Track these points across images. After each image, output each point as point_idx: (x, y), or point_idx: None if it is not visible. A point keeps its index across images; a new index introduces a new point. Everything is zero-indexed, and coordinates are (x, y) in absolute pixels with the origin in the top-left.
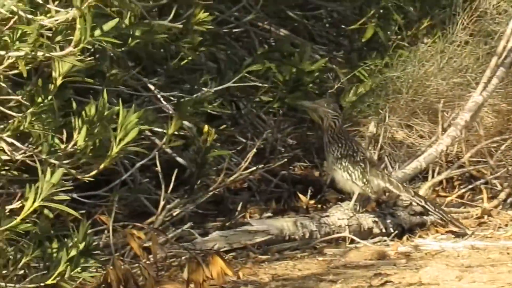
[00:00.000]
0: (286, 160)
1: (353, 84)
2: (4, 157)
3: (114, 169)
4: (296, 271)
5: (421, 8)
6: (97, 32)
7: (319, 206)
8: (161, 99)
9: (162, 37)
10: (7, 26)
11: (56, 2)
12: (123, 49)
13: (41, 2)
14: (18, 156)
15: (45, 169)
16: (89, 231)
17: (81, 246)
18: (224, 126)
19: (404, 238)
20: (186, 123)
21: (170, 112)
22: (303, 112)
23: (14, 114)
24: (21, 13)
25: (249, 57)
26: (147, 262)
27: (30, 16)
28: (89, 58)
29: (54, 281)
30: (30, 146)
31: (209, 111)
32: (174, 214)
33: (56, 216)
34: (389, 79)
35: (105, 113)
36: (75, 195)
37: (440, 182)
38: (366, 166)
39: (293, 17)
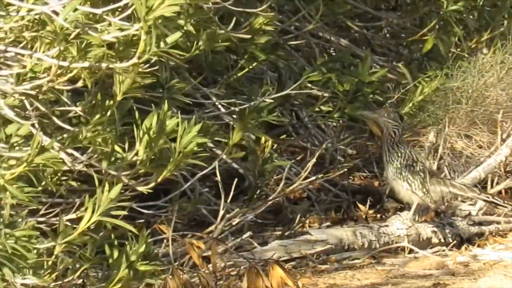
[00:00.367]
0: (345, 170)
1: (412, 93)
2: (64, 168)
3: (174, 179)
4: (355, 280)
5: (480, 18)
6: (162, 44)
7: (378, 215)
8: (221, 108)
9: (224, 44)
10: (71, 37)
11: (119, 15)
12: (185, 56)
13: (104, 15)
14: (78, 167)
15: (104, 181)
16: (148, 240)
17: (141, 251)
18: (284, 135)
19: (463, 248)
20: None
21: (230, 121)
22: (362, 122)
23: (70, 128)
24: (84, 26)
25: (309, 67)
26: (206, 271)
27: (94, 28)
28: (149, 70)
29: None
30: (90, 156)
31: (269, 120)
32: (233, 223)
33: (115, 226)
34: (449, 89)
35: (166, 124)
36: (134, 205)
37: (499, 192)
38: (425, 175)
39: (352, 28)
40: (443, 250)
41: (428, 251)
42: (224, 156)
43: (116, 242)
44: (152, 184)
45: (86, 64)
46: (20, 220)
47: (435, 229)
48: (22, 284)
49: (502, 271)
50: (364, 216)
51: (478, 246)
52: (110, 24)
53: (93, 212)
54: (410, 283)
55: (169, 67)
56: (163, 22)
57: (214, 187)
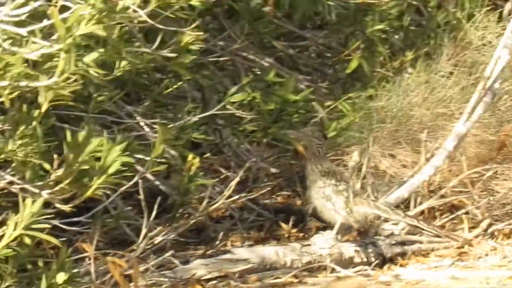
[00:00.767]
0: (268, 188)
1: (337, 114)
2: None
3: (96, 196)
4: None
5: (406, 38)
6: (80, 64)
7: (301, 234)
8: (144, 126)
9: (148, 65)
10: None
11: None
12: (109, 75)
13: (25, 34)
14: (0, 184)
15: (27, 197)
16: (70, 258)
17: (61, 272)
18: (208, 154)
19: (385, 267)
20: (170, 150)
21: (153, 139)
22: (286, 141)
23: None
24: (5, 45)
25: (233, 86)
26: None
27: (14, 48)
28: (74, 84)
29: None
30: (12, 173)
31: (192, 139)
32: (156, 242)
33: (37, 243)
34: (373, 108)
35: (89, 143)
36: (56, 222)
37: (422, 211)
38: (349, 195)
39: (278, 47)
40: (366, 270)
41: (350, 271)
42: (147, 173)
43: (38, 260)
44: (75, 203)
45: (6, 82)
46: None
47: (358, 248)
48: None
49: None
50: (286, 235)
51: (401, 265)
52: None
53: (16, 227)
54: None
55: (93, 84)
56: (83, 40)
57: (137, 205)
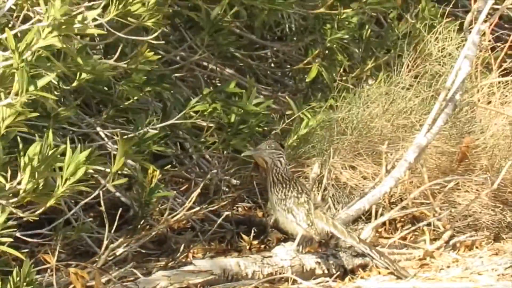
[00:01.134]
0: (230, 200)
1: (299, 124)
2: None
3: (58, 208)
4: None
5: (366, 49)
6: (32, 88)
7: (262, 246)
8: (105, 137)
9: (108, 75)
10: None
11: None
12: (68, 87)
13: None
14: None
15: None
16: (32, 269)
17: (24, 284)
18: (169, 165)
19: (347, 279)
20: (130, 162)
21: (115, 151)
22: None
23: None
24: None
25: (194, 97)
26: None
27: None
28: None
29: None
30: None
31: (154, 150)
32: (117, 253)
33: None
34: (333, 120)
35: (50, 152)
36: (18, 234)
37: (383, 223)
38: (310, 207)
39: (238, 57)
40: (327, 281)
41: (311, 282)
42: (108, 185)
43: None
44: (38, 212)
45: None
46: None
47: (319, 260)
48: None
49: None
50: (248, 247)
51: (362, 277)
52: None
53: None
54: None
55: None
56: (42, 53)
57: (98, 216)
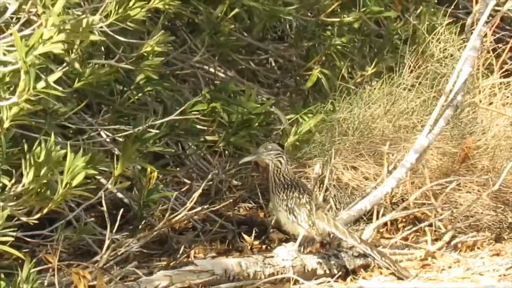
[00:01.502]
0: (231, 200)
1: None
2: None
3: (59, 209)
4: None
5: (367, 52)
6: (40, 85)
7: (264, 246)
8: (106, 138)
9: (109, 78)
10: None
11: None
12: (71, 88)
13: None
14: None
15: None
16: (34, 270)
17: (26, 284)
18: (170, 166)
19: (348, 279)
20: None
21: (115, 151)
22: (249, 153)
23: None
24: None
25: (195, 98)
26: None
27: None
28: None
29: None
30: None
31: (154, 150)
32: (119, 253)
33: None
34: (335, 121)
35: (52, 155)
36: (19, 234)
37: (385, 223)
38: (312, 208)
39: (238, 60)
40: (329, 282)
41: (313, 282)
42: (110, 186)
43: (2, 272)
44: (38, 215)
45: None
46: None
47: (321, 260)
48: None
49: None
50: (249, 247)
51: (363, 278)
52: None
53: None
54: None
55: (54, 98)
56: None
57: (99, 216)
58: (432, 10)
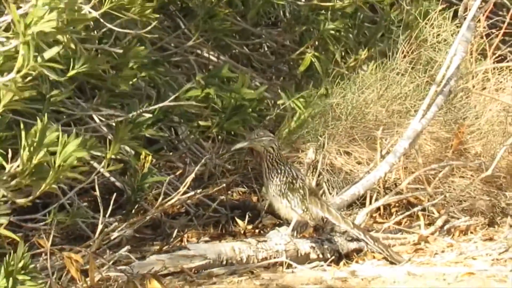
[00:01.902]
0: (224, 185)
1: (291, 112)
2: None
3: (52, 193)
4: None
5: (359, 36)
6: (40, 59)
7: (257, 231)
8: (99, 122)
9: (104, 66)
10: None
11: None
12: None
13: None
14: None
15: None
16: (27, 253)
17: (19, 265)
18: (163, 151)
19: (341, 263)
20: (124, 147)
21: (108, 135)
22: (242, 137)
23: None
24: None
25: (188, 83)
26: (84, 285)
27: None
28: (30, 83)
29: None
30: None
31: (147, 135)
32: (112, 237)
33: None
34: (328, 105)
35: (46, 136)
36: (12, 218)
37: (378, 208)
38: (305, 193)
39: (232, 45)
40: (322, 266)
41: (306, 266)
42: (102, 170)
43: None
44: (31, 198)
45: None
46: None
47: (314, 244)
48: None
49: (380, 286)
50: (242, 231)
51: (357, 262)
52: None
53: None
54: None
55: (49, 80)
56: (42, 37)
57: (92, 201)
58: None
